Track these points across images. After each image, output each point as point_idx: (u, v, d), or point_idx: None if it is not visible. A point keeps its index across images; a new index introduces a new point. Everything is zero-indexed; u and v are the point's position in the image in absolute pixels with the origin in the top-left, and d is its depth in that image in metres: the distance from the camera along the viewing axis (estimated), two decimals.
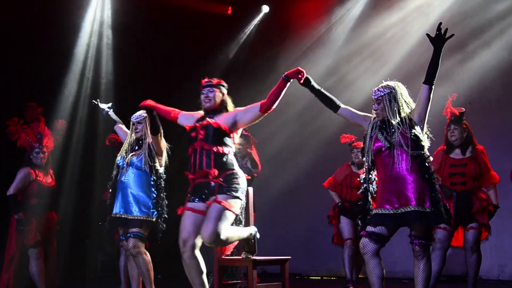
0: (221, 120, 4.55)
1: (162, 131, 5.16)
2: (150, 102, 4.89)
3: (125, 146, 5.37)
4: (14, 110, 6.31)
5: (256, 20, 9.75)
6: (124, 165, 5.26)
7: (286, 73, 4.38)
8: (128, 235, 5.15)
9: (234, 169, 4.51)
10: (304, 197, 9.41)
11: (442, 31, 4.05)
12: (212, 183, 4.43)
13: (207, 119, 4.56)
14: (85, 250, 8.32)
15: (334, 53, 9.27)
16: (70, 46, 8.52)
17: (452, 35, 4.07)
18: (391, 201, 4.04)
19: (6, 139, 6.19)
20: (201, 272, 4.49)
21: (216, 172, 4.42)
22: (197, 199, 4.49)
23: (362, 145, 6.49)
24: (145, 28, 8.91)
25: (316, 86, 4.35)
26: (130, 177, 5.22)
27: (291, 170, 9.49)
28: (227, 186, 4.42)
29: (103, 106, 5.75)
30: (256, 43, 9.88)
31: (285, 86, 4.41)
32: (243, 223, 5.04)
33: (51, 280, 6.23)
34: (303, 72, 4.32)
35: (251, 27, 9.80)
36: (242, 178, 4.53)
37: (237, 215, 4.61)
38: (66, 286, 7.51)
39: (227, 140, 4.53)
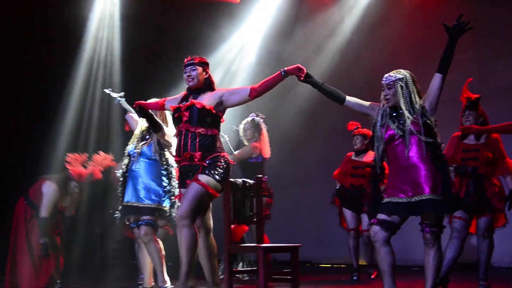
0: (206, 100, 4.46)
1: (163, 127, 5.13)
2: (141, 102, 4.85)
3: (136, 135, 5.39)
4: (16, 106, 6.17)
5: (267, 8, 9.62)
6: (135, 154, 5.27)
7: (286, 68, 4.33)
8: (140, 222, 5.17)
9: (219, 152, 4.45)
10: (315, 184, 9.40)
11: (460, 23, 3.98)
12: (196, 165, 4.37)
13: (191, 99, 4.47)
14: (96, 238, 8.36)
15: (342, 40, 9.23)
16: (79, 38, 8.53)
17: (471, 27, 4.00)
18: (405, 189, 4.02)
19: (7, 137, 6.15)
20: (214, 256, 4.52)
21: (201, 154, 4.36)
22: (185, 185, 4.47)
23: (362, 132, 6.54)
24: (154, 17, 8.88)
25: (318, 82, 4.29)
26: (141, 166, 5.24)
27: (302, 158, 9.49)
28: (210, 169, 4.35)
29: (115, 95, 5.77)
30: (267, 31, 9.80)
31: (281, 80, 4.37)
32: (254, 210, 5.06)
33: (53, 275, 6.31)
34: (303, 70, 4.27)
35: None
36: (226, 162, 4.47)
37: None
38: (77, 273, 7.56)
39: (213, 121, 4.44)
